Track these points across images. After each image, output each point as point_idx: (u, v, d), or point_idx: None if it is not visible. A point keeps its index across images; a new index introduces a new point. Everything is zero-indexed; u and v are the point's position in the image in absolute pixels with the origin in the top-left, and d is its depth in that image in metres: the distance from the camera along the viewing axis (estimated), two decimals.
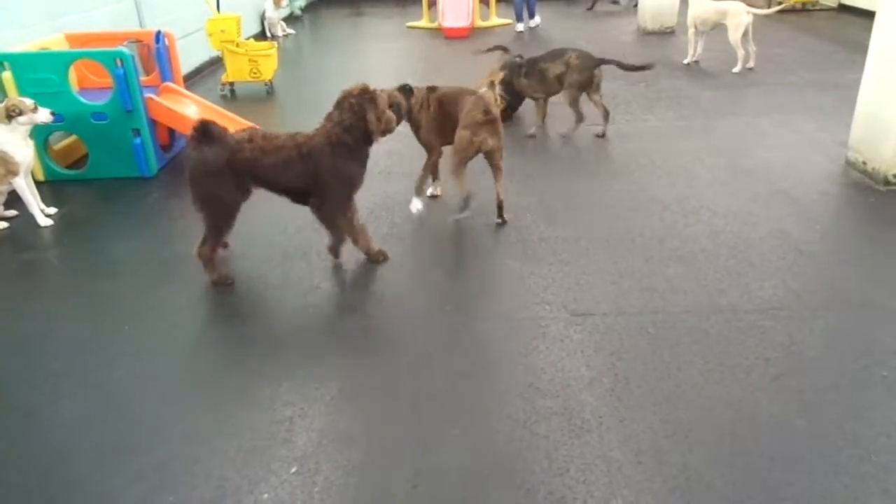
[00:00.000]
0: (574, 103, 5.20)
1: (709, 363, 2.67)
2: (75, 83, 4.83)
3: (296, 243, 3.75)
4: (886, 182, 4.13)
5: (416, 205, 3.92)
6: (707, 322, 2.93)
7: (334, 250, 3.48)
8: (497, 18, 10.50)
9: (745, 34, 6.86)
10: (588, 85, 5.15)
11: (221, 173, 3.13)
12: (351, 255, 3.56)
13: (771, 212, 3.91)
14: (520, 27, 9.81)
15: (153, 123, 4.78)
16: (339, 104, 3.22)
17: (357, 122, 3.17)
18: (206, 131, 3.10)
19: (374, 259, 3.50)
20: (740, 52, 6.94)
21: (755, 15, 6.87)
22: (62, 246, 3.92)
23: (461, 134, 3.65)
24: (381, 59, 8.72)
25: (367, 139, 3.25)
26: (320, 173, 3.21)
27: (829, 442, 2.26)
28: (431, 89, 4.00)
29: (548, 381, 2.60)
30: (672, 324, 2.93)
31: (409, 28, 10.39)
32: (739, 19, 6.83)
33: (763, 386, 2.53)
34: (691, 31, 7.33)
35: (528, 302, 3.14)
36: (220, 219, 3.26)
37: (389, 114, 3.27)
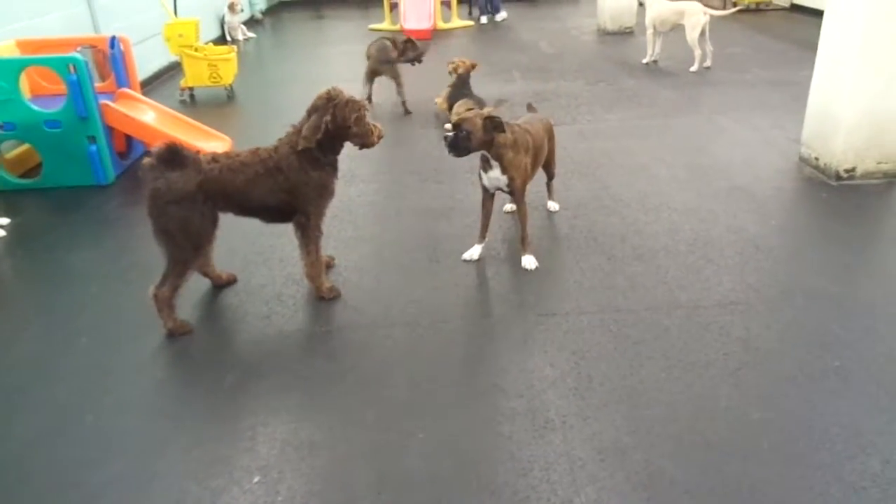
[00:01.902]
0: (365, 83, 6.22)
1: (670, 359, 2.71)
2: (27, 90, 4.71)
3: (257, 249, 3.71)
4: (838, 177, 4.24)
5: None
6: (668, 319, 2.97)
7: (316, 278, 3.19)
8: (459, 20, 10.53)
9: (702, 34, 7.00)
10: (377, 74, 6.19)
11: (192, 199, 2.82)
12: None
13: (728, 208, 3.99)
14: (483, 20, 10.78)
15: (109, 130, 4.69)
16: (308, 110, 3.00)
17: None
18: (174, 154, 2.79)
19: (323, 296, 3.21)
20: (697, 52, 7.07)
21: (711, 15, 7.01)
22: (16, 257, 3.82)
23: None
24: (343, 61, 8.66)
25: (332, 145, 3.03)
26: (295, 187, 3.00)
27: (786, 433, 2.31)
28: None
29: (512, 381, 2.62)
30: (634, 321, 2.97)
31: (371, 30, 10.36)
32: (696, 19, 6.96)
33: (722, 380, 2.58)
34: (650, 31, 7.45)
35: (493, 303, 3.16)
36: (189, 252, 2.91)
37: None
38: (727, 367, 2.65)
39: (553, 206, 4.08)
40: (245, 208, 3.06)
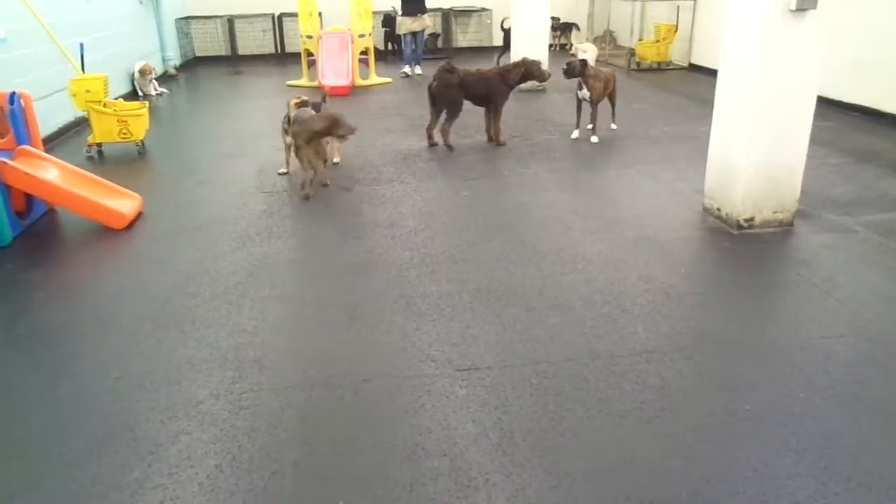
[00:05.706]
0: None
1: (590, 410, 2.73)
2: None
3: (169, 311, 3.55)
4: (738, 226, 4.48)
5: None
6: (587, 369, 3.02)
7: (501, 133, 6.81)
8: (377, 77, 10.69)
9: None
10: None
11: (457, 87, 6.47)
12: (231, 318, 3.43)
13: (640, 257, 4.13)
14: (406, 70, 11.24)
15: (7, 189, 4.45)
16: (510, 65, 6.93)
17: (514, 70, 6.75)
18: (452, 69, 6.42)
19: (503, 143, 6.78)
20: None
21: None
22: None
23: None
24: (259, 116, 8.57)
25: (519, 81, 6.82)
26: (494, 90, 6.65)
27: (703, 480, 2.36)
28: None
29: (434, 440, 2.57)
30: (554, 373, 2.99)
31: (289, 86, 10.37)
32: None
33: (641, 429, 2.62)
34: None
35: (414, 359, 3.12)
36: (457, 110, 6.56)
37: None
38: (645, 415, 2.70)
39: (594, 139, 6.76)
40: (471, 96, 6.59)
